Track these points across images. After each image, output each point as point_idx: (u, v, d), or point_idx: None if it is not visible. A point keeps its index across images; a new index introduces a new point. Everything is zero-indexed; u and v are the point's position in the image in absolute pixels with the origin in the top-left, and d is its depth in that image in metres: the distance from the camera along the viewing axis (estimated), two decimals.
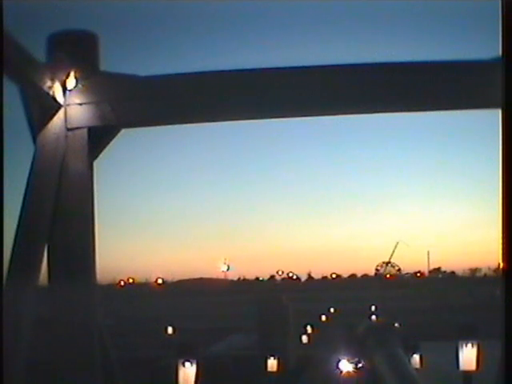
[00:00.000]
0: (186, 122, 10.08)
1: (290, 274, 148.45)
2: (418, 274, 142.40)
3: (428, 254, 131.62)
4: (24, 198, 8.68)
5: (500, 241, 7.86)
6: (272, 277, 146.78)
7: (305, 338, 54.70)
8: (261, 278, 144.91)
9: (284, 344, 44.62)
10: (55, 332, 9.08)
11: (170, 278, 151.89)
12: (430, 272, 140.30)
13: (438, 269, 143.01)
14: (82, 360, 9.02)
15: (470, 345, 17.76)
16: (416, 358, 29.71)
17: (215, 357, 40.16)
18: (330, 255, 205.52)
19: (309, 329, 57.86)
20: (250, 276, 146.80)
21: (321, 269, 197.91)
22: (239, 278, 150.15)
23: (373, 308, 78.32)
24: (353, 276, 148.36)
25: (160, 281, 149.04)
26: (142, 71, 9.33)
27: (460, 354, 18.13)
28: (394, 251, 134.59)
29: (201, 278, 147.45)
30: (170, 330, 63.60)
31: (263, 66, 9.65)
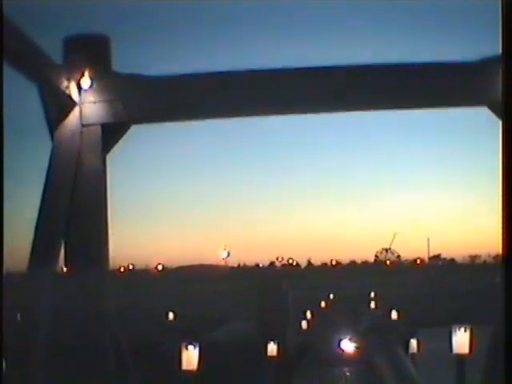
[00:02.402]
0: (193, 119, 10.73)
1: (290, 261, 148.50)
2: (418, 261, 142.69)
3: (428, 241, 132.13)
4: (44, 190, 9.33)
5: (500, 229, 8.34)
6: (272, 263, 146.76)
7: (304, 324, 55.14)
8: (261, 265, 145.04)
9: (284, 330, 45.03)
10: (70, 319, 9.67)
11: (170, 264, 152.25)
12: (429, 259, 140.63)
13: (438, 256, 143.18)
14: (95, 345, 9.67)
15: (462, 329, 18.32)
16: (413, 342, 30.48)
17: (215, 343, 40.64)
18: (330, 242, 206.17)
19: (308, 315, 58.29)
20: (250, 262, 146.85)
21: (321, 255, 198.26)
22: (239, 265, 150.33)
23: (372, 294, 78.38)
24: (353, 263, 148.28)
25: (160, 267, 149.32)
26: (152, 71, 9.96)
27: (453, 338, 18.72)
28: (391, 243, 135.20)
29: (201, 265, 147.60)
30: (170, 315, 64.10)
31: (268, 66, 10.28)
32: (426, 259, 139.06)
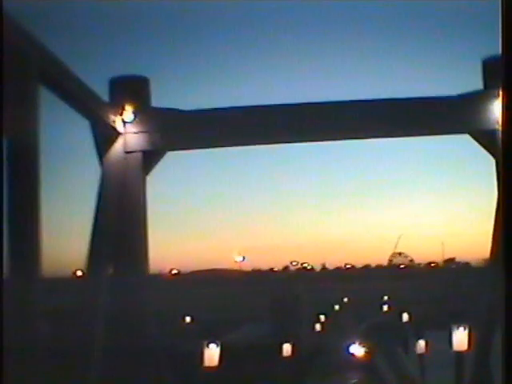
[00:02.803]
0: (218, 147, 12.54)
1: (305, 265, 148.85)
2: (432, 265, 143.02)
3: (443, 245, 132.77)
4: (96, 206, 11.13)
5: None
6: (286, 267, 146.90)
7: (318, 326, 56.25)
8: (275, 269, 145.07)
9: (297, 332, 46.11)
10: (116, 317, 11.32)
11: (184, 268, 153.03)
12: (444, 262, 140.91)
13: (453, 259, 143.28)
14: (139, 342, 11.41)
15: (461, 328, 19.62)
16: (422, 343, 31.71)
17: (231, 344, 41.61)
18: (345, 246, 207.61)
19: (322, 318, 59.44)
20: (264, 267, 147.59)
21: (335, 259, 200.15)
22: (253, 269, 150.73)
23: (385, 298, 79.20)
24: (367, 266, 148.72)
25: (174, 271, 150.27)
26: (185, 106, 11.78)
27: (453, 337, 20.04)
28: (396, 245, 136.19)
29: (214, 269, 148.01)
30: (187, 319, 65.21)
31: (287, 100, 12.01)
32: (441, 263, 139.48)
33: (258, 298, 74.71)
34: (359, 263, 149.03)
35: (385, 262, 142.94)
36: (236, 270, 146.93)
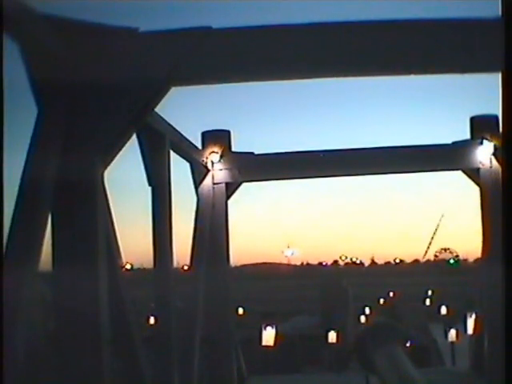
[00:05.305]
0: (280, 179, 17.21)
1: (354, 259, 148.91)
2: (478, 261, 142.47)
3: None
4: (195, 220, 15.75)
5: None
6: (335, 262, 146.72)
7: (363, 318, 59.01)
8: (324, 263, 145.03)
9: (343, 323, 49.19)
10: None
11: (233, 262, 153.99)
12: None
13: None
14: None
15: (474, 315, 23.06)
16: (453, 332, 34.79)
17: (282, 333, 44.56)
18: (395, 240, 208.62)
19: (367, 310, 62.53)
20: (314, 261, 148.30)
21: (384, 254, 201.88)
22: (302, 263, 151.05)
23: (429, 292, 79.99)
24: (416, 262, 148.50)
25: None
26: (256, 150, 16.56)
27: (468, 322, 23.61)
28: (438, 226, 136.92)
29: (264, 263, 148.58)
30: (240, 310, 68.36)
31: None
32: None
33: (307, 291, 77.31)
34: (409, 258, 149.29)
35: (432, 258, 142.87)
36: (286, 264, 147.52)
